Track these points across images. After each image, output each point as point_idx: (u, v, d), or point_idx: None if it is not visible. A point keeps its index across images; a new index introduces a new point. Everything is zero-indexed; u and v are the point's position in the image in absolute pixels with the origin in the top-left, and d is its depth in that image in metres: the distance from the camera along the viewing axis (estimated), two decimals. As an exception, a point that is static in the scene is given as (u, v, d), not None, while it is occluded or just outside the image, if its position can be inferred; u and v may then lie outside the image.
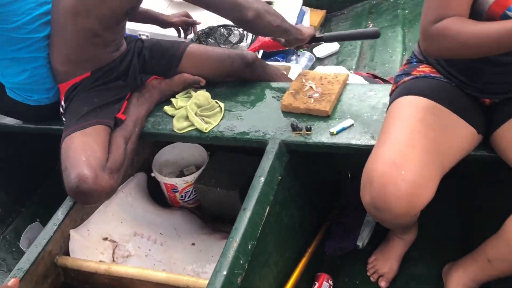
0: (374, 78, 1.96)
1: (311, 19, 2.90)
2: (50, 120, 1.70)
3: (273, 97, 1.61)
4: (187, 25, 1.92)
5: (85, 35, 1.47)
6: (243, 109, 1.58)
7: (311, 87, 1.56)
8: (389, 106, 1.25)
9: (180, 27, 1.91)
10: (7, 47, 1.50)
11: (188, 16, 1.92)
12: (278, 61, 2.52)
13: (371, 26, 2.76)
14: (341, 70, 1.85)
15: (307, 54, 2.64)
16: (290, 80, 1.81)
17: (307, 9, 2.83)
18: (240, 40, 2.12)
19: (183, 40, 1.88)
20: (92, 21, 1.44)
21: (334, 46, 2.66)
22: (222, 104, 1.59)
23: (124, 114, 1.54)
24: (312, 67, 2.60)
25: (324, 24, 3.01)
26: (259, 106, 1.58)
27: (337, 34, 1.64)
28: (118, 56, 1.61)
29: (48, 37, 1.53)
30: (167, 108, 1.64)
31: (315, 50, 2.69)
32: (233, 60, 1.66)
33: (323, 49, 2.69)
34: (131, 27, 2.24)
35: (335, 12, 3.08)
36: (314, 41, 1.60)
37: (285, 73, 1.93)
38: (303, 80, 1.60)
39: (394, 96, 1.25)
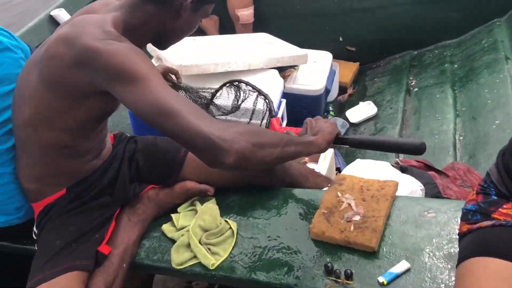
0: (426, 168, 1.58)
1: (341, 74, 2.55)
2: (25, 239, 1.38)
3: (300, 214, 1.24)
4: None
5: (51, 148, 1.16)
6: (261, 232, 1.22)
7: (349, 204, 1.19)
8: (460, 260, 0.87)
9: None
10: None
11: (166, 71, 1.69)
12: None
13: (413, 83, 2.38)
14: (385, 166, 1.48)
15: (340, 120, 2.27)
16: (321, 180, 1.44)
17: (336, 65, 2.48)
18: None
19: None
20: (56, 133, 1.13)
21: (371, 110, 2.29)
22: (234, 225, 1.24)
23: (108, 245, 1.20)
24: (345, 134, 2.24)
25: (358, 79, 2.65)
26: (282, 228, 1.21)
27: (366, 140, 1.24)
28: (101, 165, 1.28)
29: (14, 148, 1.23)
30: (165, 228, 1.30)
31: (348, 113, 2.32)
32: None
33: (358, 112, 2.32)
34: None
35: (369, 64, 2.72)
36: (337, 143, 1.22)
37: (315, 169, 1.57)
38: (339, 194, 1.23)
39: (468, 248, 0.87)
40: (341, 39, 2.70)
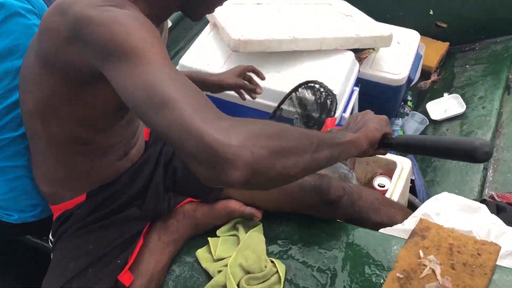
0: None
1: (427, 56, 2.17)
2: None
3: (366, 271, 0.98)
4: (246, 89, 1.39)
5: (62, 143, 0.95)
6: (314, 285, 0.98)
7: (433, 271, 0.92)
8: None
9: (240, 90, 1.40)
10: None
11: (244, 72, 1.39)
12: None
13: (514, 80, 1.97)
14: (479, 208, 1.16)
15: (418, 115, 1.93)
16: (394, 212, 1.17)
17: (423, 46, 2.09)
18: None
19: None
20: (65, 125, 0.91)
21: (458, 106, 1.93)
22: (282, 269, 1.01)
23: (132, 271, 1.01)
24: (423, 133, 1.91)
25: (445, 63, 2.25)
26: (341, 285, 0.97)
27: (415, 140, 0.96)
28: (130, 167, 1.07)
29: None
30: (201, 254, 1.09)
31: (429, 107, 1.98)
32: (305, 194, 1.06)
33: (442, 107, 1.97)
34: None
35: (461, 45, 2.30)
36: (383, 146, 0.94)
37: (387, 197, 1.28)
38: (421, 254, 0.95)
39: None
40: (431, 12, 2.28)
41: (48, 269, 1.02)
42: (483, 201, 1.33)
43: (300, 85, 1.55)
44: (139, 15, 0.76)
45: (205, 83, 1.35)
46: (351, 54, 1.68)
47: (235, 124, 0.62)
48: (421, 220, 1.03)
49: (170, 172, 1.13)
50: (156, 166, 1.12)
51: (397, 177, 1.39)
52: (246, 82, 1.39)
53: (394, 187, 1.37)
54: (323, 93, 1.50)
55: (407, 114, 1.96)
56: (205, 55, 1.69)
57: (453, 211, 1.12)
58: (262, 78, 1.42)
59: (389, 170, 1.47)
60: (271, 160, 0.62)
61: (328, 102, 1.48)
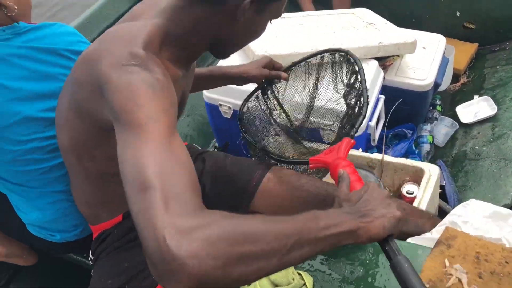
0: None
1: (455, 59, 2.14)
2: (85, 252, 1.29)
3: (394, 281, 1.00)
4: (271, 78, 1.39)
5: (97, 176, 1.02)
6: (343, 296, 1.00)
7: (459, 280, 0.93)
8: None
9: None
10: (12, 179, 1.11)
11: (270, 64, 1.38)
12: (405, 135, 1.85)
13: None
14: (511, 216, 1.15)
15: (448, 120, 1.91)
16: (423, 222, 1.18)
17: (452, 49, 2.07)
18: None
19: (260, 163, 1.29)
20: (99, 162, 0.98)
21: (488, 108, 1.90)
22: (309, 281, 1.03)
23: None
24: (454, 138, 1.89)
25: (474, 65, 2.22)
26: (368, 295, 0.99)
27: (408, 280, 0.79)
28: None
29: (64, 165, 1.10)
30: (230, 268, 1.12)
31: (459, 110, 1.95)
32: (329, 208, 1.08)
33: (472, 110, 1.94)
34: (209, 94, 1.75)
35: (491, 45, 2.26)
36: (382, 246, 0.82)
37: (415, 207, 1.28)
38: (447, 263, 0.96)
39: None
40: (458, 14, 2.25)
41: (88, 286, 1.09)
42: (514, 206, 1.31)
43: (327, 51, 1.36)
44: (157, 79, 0.78)
45: (227, 76, 1.36)
46: (375, 62, 1.69)
47: (202, 223, 0.60)
48: (447, 228, 1.04)
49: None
50: None
51: (425, 185, 1.39)
52: (270, 71, 1.38)
53: (423, 194, 1.37)
54: (357, 85, 1.22)
55: (436, 119, 1.94)
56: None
57: (482, 219, 1.12)
58: (285, 78, 1.40)
59: (417, 177, 1.47)
60: (225, 269, 0.58)
61: (358, 104, 1.20)
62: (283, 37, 1.73)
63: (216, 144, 2.01)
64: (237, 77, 1.35)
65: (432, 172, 1.42)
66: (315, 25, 1.83)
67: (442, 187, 1.59)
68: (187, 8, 0.88)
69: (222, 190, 1.18)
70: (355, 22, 1.87)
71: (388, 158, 1.50)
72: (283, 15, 1.94)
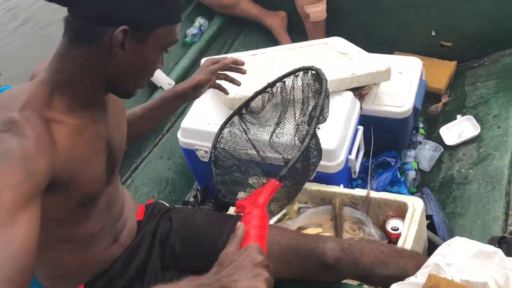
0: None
1: (433, 78, 2.12)
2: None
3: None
4: (219, 70, 1.29)
5: (51, 246, 0.97)
6: None
7: (445, 335, 0.87)
8: None
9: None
10: None
11: (212, 62, 1.28)
12: (389, 164, 1.80)
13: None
14: (496, 254, 1.10)
15: (431, 144, 1.87)
16: (405, 262, 1.12)
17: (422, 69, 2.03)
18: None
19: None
20: (48, 225, 0.91)
21: (472, 128, 1.86)
22: None
23: None
24: (439, 161, 1.84)
25: (454, 82, 2.19)
26: None
27: None
28: (121, 253, 1.07)
29: None
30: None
31: (443, 132, 1.91)
32: (303, 260, 1.04)
33: (456, 131, 1.90)
34: (184, 139, 1.71)
35: (469, 62, 2.24)
36: None
37: (394, 247, 1.22)
38: (430, 316, 0.90)
39: None
40: (433, 33, 2.23)
41: None
42: (502, 238, 1.26)
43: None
44: (19, 148, 0.75)
45: (179, 93, 1.26)
46: (350, 93, 1.66)
47: None
48: (429, 276, 0.98)
49: (168, 251, 1.13)
50: (151, 247, 1.12)
51: (410, 220, 1.34)
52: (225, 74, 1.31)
53: (407, 231, 1.32)
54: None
55: (420, 143, 1.90)
56: (204, 115, 1.70)
57: (467, 259, 1.06)
58: (238, 84, 1.35)
59: (401, 211, 1.42)
60: None
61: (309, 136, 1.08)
62: (255, 75, 1.70)
63: (198, 187, 1.96)
64: (188, 88, 1.25)
65: (416, 206, 1.37)
66: (287, 60, 1.81)
67: (430, 217, 1.54)
68: (67, 53, 0.86)
69: (192, 249, 1.13)
70: (328, 53, 1.84)
71: (371, 193, 1.45)
72: (256, 51, 1.92)
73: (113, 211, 1.05)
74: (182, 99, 1.28)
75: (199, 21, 2.39)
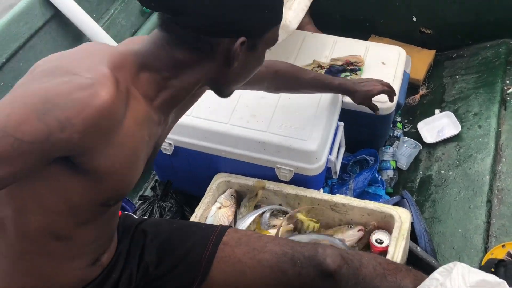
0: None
1: (413, 68, 1.99)
2: None
3: None
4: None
5: (37, 241, 0.83)
6: None
7: None
8: None
9: None
10: None
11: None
12: (367, 162, 1.69)
13: (510, 90, 1.82)
14: (500, 287, 1.01)
15: (410, 141, 1.77)
16: (402, 276, 1.02)
17: (409, 59, 1.91)
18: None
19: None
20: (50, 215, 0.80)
21: (452, 126, 1.77)
22: None
23: None
24: (417, 159, 1.76)
25: (433, 73, 2.09)
26: None
27: None
28: (98, 275, 0.91)
29: None
30: None
31: (421, 127, 1.82)
32: (300, 269, 0.92)
33: (434, 129, 1.81)
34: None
35: (448, 52, 2.14)
36: None
37: (390, 260, 1.11)
38: None
39: None
40: (414, 18, 2.11)
41: None
42: (500, 261, 1.18)
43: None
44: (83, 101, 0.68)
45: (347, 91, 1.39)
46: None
47: None
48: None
49: (141, 268, 0.97)
50: (125, 266, 0.96)
51: (397, 235, 1.23)
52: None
53: (395, 247, 1.22)
54: None
55: (398, 138, 1.80)
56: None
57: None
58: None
59: (385, 223, 1.31)
60: None
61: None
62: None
63: (157, 178, 1.77)
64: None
65: (403, 219, 1.27)
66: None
67: (411, 224, 1.45)
68: (166, 50, 0.78)
69: (170, 267, 0.97)
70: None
71: (353, 201, 1.33)
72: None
73: (110, 225, 0.92)
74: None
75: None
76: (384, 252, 1.25)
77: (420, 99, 2.00)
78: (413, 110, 1.99)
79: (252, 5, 0.75)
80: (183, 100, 0.86)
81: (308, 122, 1.42)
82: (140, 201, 1.63)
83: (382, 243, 1.28)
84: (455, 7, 2.02)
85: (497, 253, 1.31)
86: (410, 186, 1.70)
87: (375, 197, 1.62)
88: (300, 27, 2.14)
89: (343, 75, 1.65)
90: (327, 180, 1.66)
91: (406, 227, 1.26)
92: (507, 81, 1.85)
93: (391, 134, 1.83)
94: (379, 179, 1.66)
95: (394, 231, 1.24)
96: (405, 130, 1.89)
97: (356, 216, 1.35)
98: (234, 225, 1.42)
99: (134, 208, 1.63)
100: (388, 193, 1.68)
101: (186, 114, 1.43)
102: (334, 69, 1.65)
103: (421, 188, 1.66)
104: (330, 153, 1.46)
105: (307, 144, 1.37)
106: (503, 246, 1.32)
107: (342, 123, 1.55)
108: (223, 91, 0.89)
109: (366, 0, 2.16)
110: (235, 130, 1.42)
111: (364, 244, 1.35)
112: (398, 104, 1.66)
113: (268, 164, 1.42)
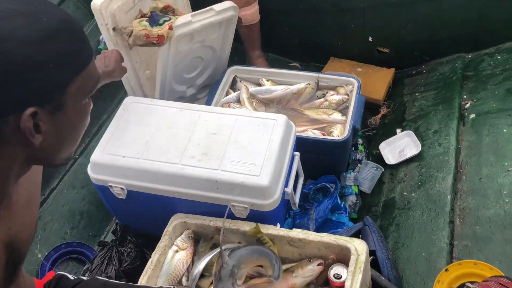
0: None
1: (372, 87, 2.00)
2: None
3: None
4: None
5: None
6: None
7: None
8: None
9: None
10: None
11: None
12: (328, 190, 1.67)
13: (468, 105, 1.81)
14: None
15: (371, 164, 1.75)
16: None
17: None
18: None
19: None
20: None
21: (413, 146, 1.76)
22: None
23: None
24: (380, 181, 1.74)
25: (393, 91, 2.09)
26: None
27: None
28: None
29: None
30: None
31: (383, 148, 1.80)
32: None
33: (396, 149, 1.80)
34: (95, 175, 1.46)
35: (407, 69, 2.14)
36: None
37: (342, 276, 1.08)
38: None
39: None
40: (370, 39, 2.11)
41: None
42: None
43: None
44: None
45: None
46: (283, 117, 1.49)
47: None
48: None
49: None
50: None
51: (353, 269, 1.20)
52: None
53: (352, 282, 1.18)
54: None
55: (360, 161, 1.78)
56: (117, 146, 1.47)
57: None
58: None
59: (343, 255, 1.28)
60: None
61: None
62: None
63: (117, 221, 1.72)
64: None
65: (359, 251, 1.24)
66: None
67: (373, 252, 1.42)
68: None
69: None
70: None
71: (310, 235, 1.30)
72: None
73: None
74: None
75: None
76: (343, 287, 1.22)
77: (381, 119, 1.99)
78: (376, 131, 1.98)
79: (23, 77, 0.61)
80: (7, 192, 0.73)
81: (260, 156, 1.39)
82: (99, 247, 1.59)
83: (340, 278, 1.25)
84: (410, 26, 2.03)
85: (443, 279, 1.29)
86: (374, 210, 1.67)
87: (338, 225, 1.59)
88: (251, 60, 2.14)
89: (162, 20, 1.65)
90: (289, 211, 1.63)
91: (363, 259, 1.22)
92: (465, 96, 1.85)
93: (354, 158, 1.81)
94: (342, 205, 1.64)
95: (350, 264, 1.21)
96: (367, 151, 1.88)
97: (314, 250, 1.32)
98: (192, 267, 1.38)
99: (94, 254, 1.59)
100: (352, 219, 1.65)
101: (135, 157, 1.42)
102: (154, 14, 1.68)
103: (385, 212, 1.64)
104: (286, 185, 1.43)
105: (259, 180, 1.34)
106: (446, 270, 1.30)
107: (298, 153, 1.53)
108: (53, 163, 0.76)
109: (322, 25, 2.16)
110: (187, 170, 1.39)
111: (325, 279, 1.32)
112: (354, 129, 1.65)
113: (222, 203, 1.39)
